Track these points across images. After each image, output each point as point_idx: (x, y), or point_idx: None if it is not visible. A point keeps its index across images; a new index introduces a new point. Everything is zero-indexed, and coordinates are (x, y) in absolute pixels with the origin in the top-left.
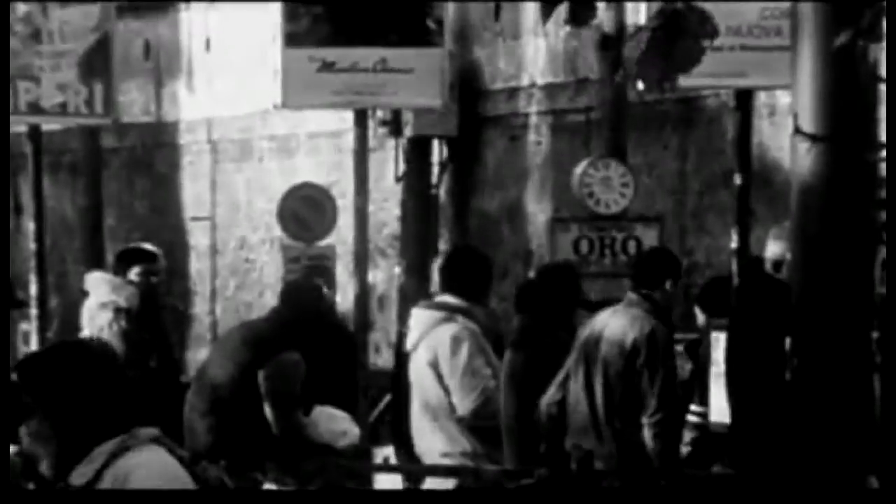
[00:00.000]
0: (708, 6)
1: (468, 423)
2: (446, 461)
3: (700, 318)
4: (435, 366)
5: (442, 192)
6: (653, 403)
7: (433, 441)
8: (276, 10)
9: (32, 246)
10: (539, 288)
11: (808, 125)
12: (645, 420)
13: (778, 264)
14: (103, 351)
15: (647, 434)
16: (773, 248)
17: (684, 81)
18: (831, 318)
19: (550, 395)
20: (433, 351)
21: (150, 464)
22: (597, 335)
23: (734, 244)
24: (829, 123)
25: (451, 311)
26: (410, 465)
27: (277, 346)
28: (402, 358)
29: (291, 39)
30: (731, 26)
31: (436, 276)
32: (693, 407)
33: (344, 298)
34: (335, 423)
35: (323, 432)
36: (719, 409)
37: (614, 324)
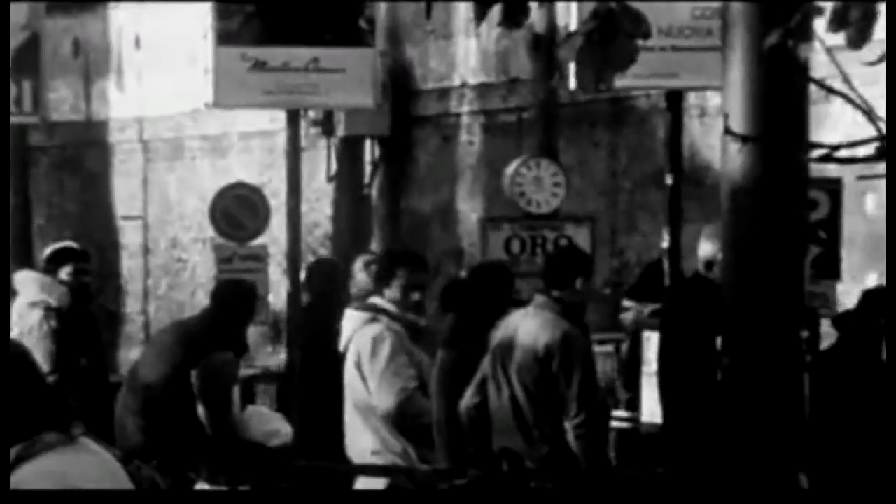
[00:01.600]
0: (639, 7)
1: (394, 421)
2: (376, 460)
3: (629, 314)
4: (359, 366)
5: (374, 192)
6: (573, 407)
7: (364, 440)
8: (207, 9)
9: None
10: (470, 287)
11: (738, 125)
12: (567, 424)
13: (709, 264)
14: (17, 353)
15: (570, 437)
16: (705, 248)
17: (616, 82)
18: (762, 317)
19: (469, 397)
20: (357, 352)
21: (43, 475)
22: (510, 339)
23: (665, 243)
24: (760, 124)
25: (375, 312)
26: (341, 465)
27: (210, 345)
28: (332, 357)
29: (223, 38)
30: (662, 27)
31: (358, 276)
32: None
33: (277, 298)
34: (267, 423)
35: (255, 432)
36: (651, 409)
37: (526, 328)
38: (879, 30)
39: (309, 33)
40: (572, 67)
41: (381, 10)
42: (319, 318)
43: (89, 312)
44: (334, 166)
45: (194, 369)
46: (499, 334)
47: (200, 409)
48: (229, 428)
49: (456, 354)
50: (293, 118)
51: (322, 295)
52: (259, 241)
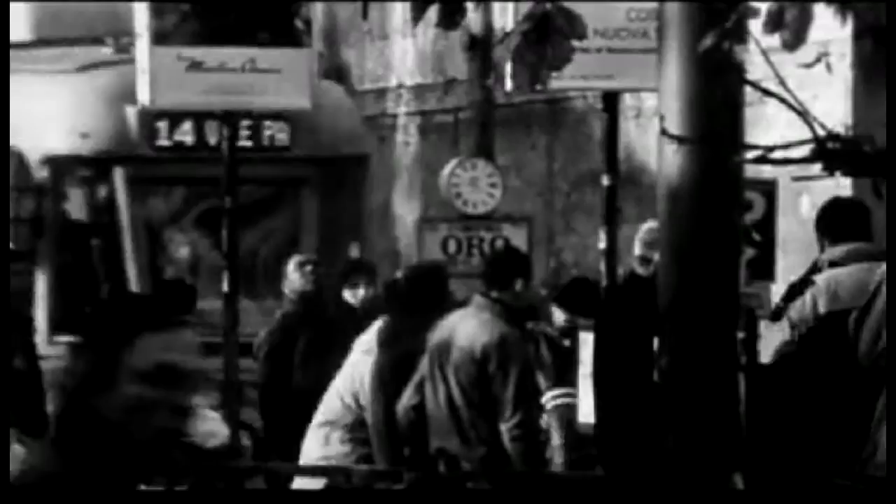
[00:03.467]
0: (575, 8)
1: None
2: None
3: (558, 316)
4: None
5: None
6: (508, 409)
7: (308, 444)
8: (142, 8)
9: None
10: (406, 288)
11: (674, 127)
12: (502, 426)
13: (646, 261)
14: None
15: (505, 439)
16: (642, 248)
17: (552, 83)
18: (698, 318)
19: (407, 398)
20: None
21: None
22: (447, 340)
23: (602, 244)
24: (696, 125)
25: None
26: (280, 464)
27: None
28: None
29: (158, 38)
30: (597, 29)
31: (291, 276)
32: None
33: None
34: (204, 424)
35: (192, 432)
36: (586, 409)
37: (464, 329)
38: (814, 32)
39: (245, 34)
40: (508, 68)
41: (318, 10)
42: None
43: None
44: None
45: None
46: (437, 335)
47: None
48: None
49: (393, 356)
50: (229, 119)
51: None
52: None
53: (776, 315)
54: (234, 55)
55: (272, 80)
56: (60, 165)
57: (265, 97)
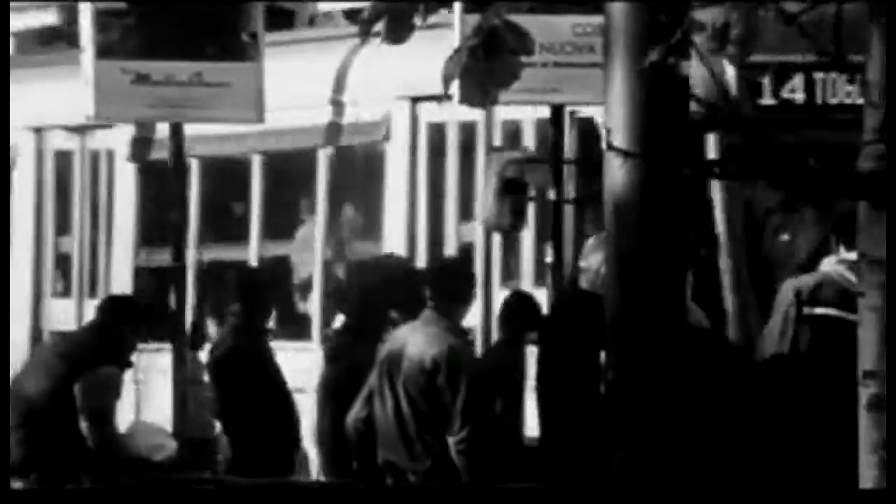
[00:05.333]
0: (521, 22)
1: None
2: None
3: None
4: None
5: None
6: (456, 422)
7: None
8: (86, 21)
9: None
10: (354, 301)
11: (620, 141)
12: (450, 439)
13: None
14: None
15: (452, 452)
16: (587, 261)
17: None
18: (645, 331)
19: (356, 411)
20: None
21: None
22: (397, 352)
23: (549, 258)
24: (642, 139)
25: None
26: (227, 477)
27: (94, 359)
28: None
29: (103, 51)
30: (543, 43)
31: None
32: None
33: None
34: (152, 437)
35: (140, 446)
36: (531, 423)
37: (414, 342)
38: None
39: (192, 47)
40: (456, 84)
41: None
42: None
43: None
44: None
45: (77, 382)
46: (386, 348)
47: (83, 423)
48: (112, 442)
49: (340, 369)
50: (176, 132)
51: None
52: None
53: None
54: (180, 69)
55: (220, 94)
56: None
57: (212, 111)
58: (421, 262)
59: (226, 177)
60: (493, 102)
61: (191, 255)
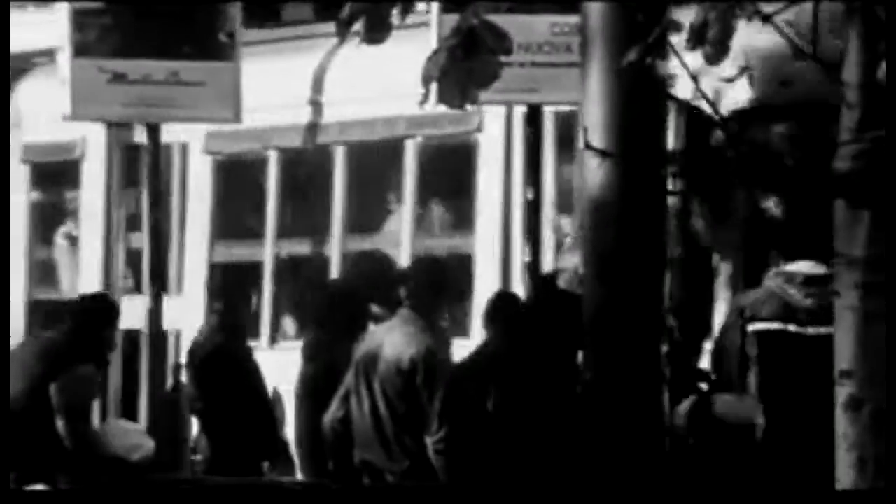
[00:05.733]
0: (499, 22)
1: None
2: None
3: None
4: None
5: None
6: (434, 422)
7: None
8: (63, 20)
9: None
10: (330, 301)
11: (597, 140)
12: (427, 439)
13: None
14: None
15: (430, 452)
16: (565, 261)
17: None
18: (622, 332)
19: (333, 411)
20: None
21: None
22: (374, 352)
23: (527, 258)
24: (619, 139)
25: None
26: (207, 476)
27: (71, 358)
28: None
29: (80, 50)
30: (521, 43)
31: None
32: None
33: None
34: (128, 437)
35: (116, 446)
36: None
37: (390, 342)
38: (737, 46)
39: (168, 47)
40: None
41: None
42: None
43: None
44: None
45: (53, 383)
46: (363, 347)
47: (59, 423)
48: (89, 441)
49: (317, 368)
50: (153, 131)
51: None
52: None
53: None
54: (157, 68)
55: (196, 94)
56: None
57: (189, 110)
58: (517, 257)
59: (306, 169)
60: (473, 102)
61: (268, 251)
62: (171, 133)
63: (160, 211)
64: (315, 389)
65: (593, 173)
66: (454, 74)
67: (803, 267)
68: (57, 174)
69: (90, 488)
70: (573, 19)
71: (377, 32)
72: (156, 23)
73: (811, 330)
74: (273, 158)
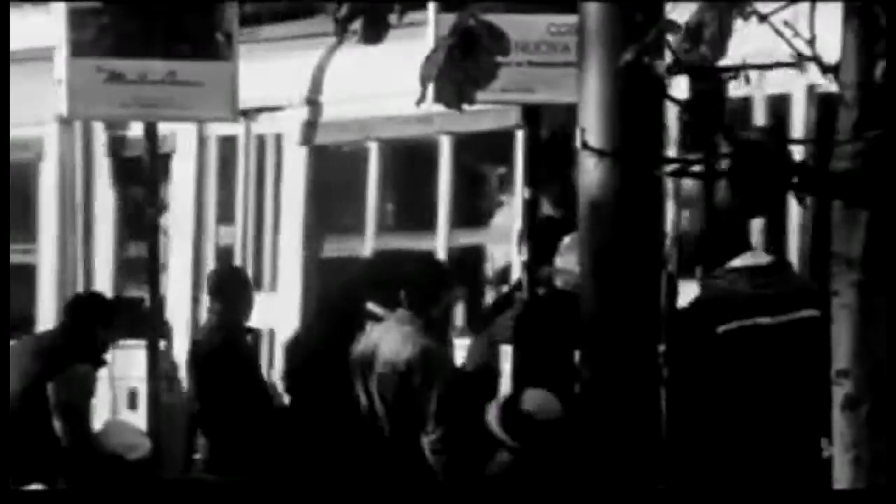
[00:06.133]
0: (496, 21)
1: None
2: None
3: None
4: None
5: None
6: (431, 422)
7: None
8: (60, 19)
9: None
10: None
11: (594, 140)
12: (424, 439)
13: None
14: None
15: (427, 452)
16: (563, 261)
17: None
18: (619, 331)
19: None
20: None
21: None
22: (370, 352)
23: (524, 257)
24: (616, 138)
25: None
26: (204, 475)
27: (67, 358)
28: None
29: (77, 49)
30: (518, 42)
31: None
32: None
33: None
34: (125, 437)
35: (114, 445)
36: None
37: (387, 342)
38: (733, 46)
39: (165, 46)
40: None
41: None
42: None
43: None
44: None
45: (50, 381)
46: (359, 348)
47: (56, 422)
48: (86, 441)
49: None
50: (150, 131)
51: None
52: None
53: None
54: (154, 67)
55: (194, 93)
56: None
57: (186, 110)
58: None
59: (409, 160)
60: (470, 103)
61: (368, 246)
62: (265, 123)
63: (158, 212)
64: None
65: (590, 173)
66: (451, 74)
67: (747, 260)
68: (145, 168)
69: (88, 488)
70: (571, 19)
71: (376, 32)
72: (153, 22)
73: (781, 318)
74: (374, 149)
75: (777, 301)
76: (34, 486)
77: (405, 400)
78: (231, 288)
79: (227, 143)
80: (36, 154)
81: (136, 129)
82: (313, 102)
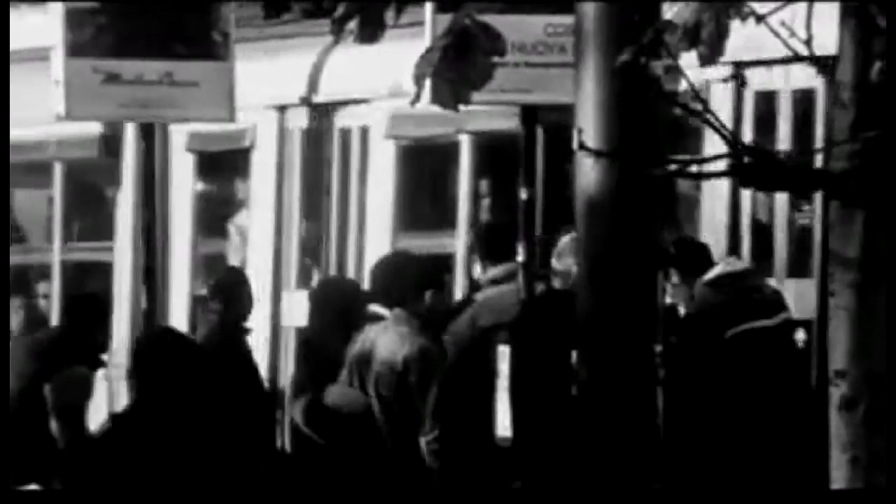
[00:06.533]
0: (492, 22)
1: None
2: None
3: None
4: None
5: None
6: (428, 422)
7: None
8: (57, 19)
9: None
10: (319, 301)
11: (591, 141)
12: (421, 439)
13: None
14: None
15: (424, 452)
16: (560, 262)
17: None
18: (617, 331)
19: None
20: None
21: None
22: (367, 352)
23: (521, 258)
24: (613, 139)
25: None
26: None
27: (64, 359)
28: None
29: (74, 50)
30: (514, 43)
31: None
32: None
33: None
34: None
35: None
36: (504, 422)
37: (383, 342)
38: (730, 47)
39: (162, 47)
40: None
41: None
42: None
43: None
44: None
45: (47, 383)
46: (356, 348)
47: (53, 423)
48: (83, 442)
49: (312, 368)
50: (147, 132)
51: None
52: None
53: None
54: (151, 68)
55: (190, 94)
56: None
57: (182, 110)
58: (745, 249)
59: (503, 154)
60: (466, 103)
61: (460, 242)
62: (351, 117)
63: (151, 213)
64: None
65: (587, 173)
66: (447, 74)
67: (718, 269)
68: (225, 163)
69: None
70: (567, 20)
71: (372, 31)
72: (150, 23)
73: (772, 322)
74: (466, 143)
75: (767, 304)
76: (31, 487)
77: (402, 399)
78: (231, 288)
79: (311, 137)
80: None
81: (217, 125)
82: (400, 94)
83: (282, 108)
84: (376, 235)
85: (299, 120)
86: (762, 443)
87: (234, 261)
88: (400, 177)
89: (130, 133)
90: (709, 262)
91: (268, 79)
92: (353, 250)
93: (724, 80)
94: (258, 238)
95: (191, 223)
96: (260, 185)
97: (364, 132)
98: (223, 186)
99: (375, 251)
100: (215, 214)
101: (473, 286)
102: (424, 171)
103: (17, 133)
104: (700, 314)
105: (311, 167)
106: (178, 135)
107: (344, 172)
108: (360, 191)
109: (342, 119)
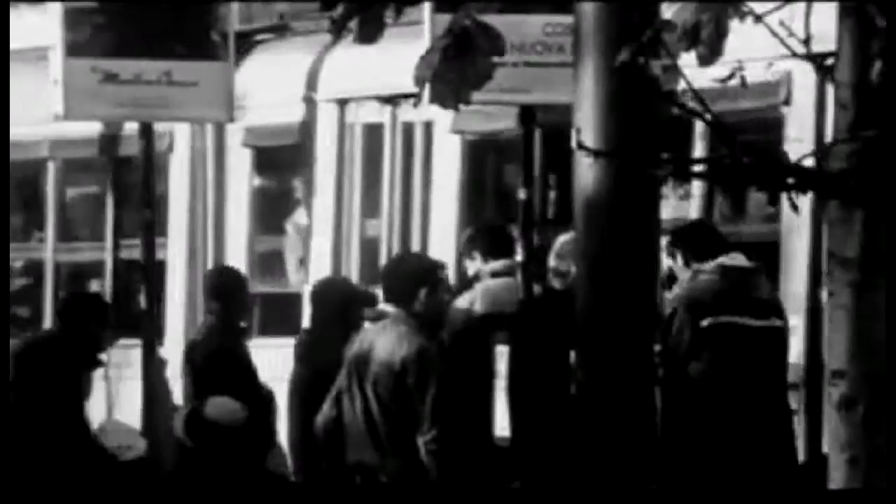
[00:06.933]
0: (491, 21)
1: None
2: None
3: None
4: None
5: None
6: (426, 422)
7: None
8: (55, 19)
9: None
10: (318, 302)
11: (590, 140)
12: (419, 439)
13: (559, 273)
14: None
15: (422, 452)
16: (559, 262)
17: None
18: (615, 331)
19: (325, 411)
20: None
21: None
22: (365, 353)
23: (519, 257)
24: (611, 138)
25: None
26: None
27: (63, 358)
28: None
29: (72, 49)
30: (514, 43)
31: None
32: None
33: None
34: (121, 437)
35: (109, 445)
36: (502, 422)
37: (381, 342)
38: (729, 47)
39: (161, 46)
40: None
41: (235, 23)
42: None
43: None
44: None
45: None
46: (354, 348)
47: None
48: (82, 441)
49: (309, 370)
50: (145, 131)
51: None
52: None
53: None
54: (149, 68)
55: (189, 93)
56: None
57: (181, 110)
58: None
59: (569, 150)
60: (466, 102)
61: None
62: (413, 111)
63: (153, 213)
64: (306, 390)
65: (585, 172)
66: (447, 74)
67: (719, 260)
68: (283, 159)
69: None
70: (566, 19)
71: (371, 31)
72: (149, 23)
73: (759, 323)
74: (536, 137)
75: (761, 305)
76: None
77: (400, 400)
78: (229, 288)
79: (373, 131)
80: (167, 146)
81: (278, 117)
82: None
83: (342, 102)
84: (440, 234)
85: (362, 113)
86: (728, 440)
87: (291, 258)
88: (464, 172)
89: (182, 131)
90: (722, 248)
91: (327, 72)
92: (417, 248)
93: (724, 81)
94: (319, 234)
95: (247, 220)
96: (320, 181)
97: (428, 126)
98: (281, 182)
99: (439, 247)
100: (273, 211)
101: (466, 283)
102: (491, 166)
103: (17, 132)
104: (688, 299)
105: (372, 162)
106: (235, 131)
107: (406, 167)
108: (423, 188)
109: (405, 113)
